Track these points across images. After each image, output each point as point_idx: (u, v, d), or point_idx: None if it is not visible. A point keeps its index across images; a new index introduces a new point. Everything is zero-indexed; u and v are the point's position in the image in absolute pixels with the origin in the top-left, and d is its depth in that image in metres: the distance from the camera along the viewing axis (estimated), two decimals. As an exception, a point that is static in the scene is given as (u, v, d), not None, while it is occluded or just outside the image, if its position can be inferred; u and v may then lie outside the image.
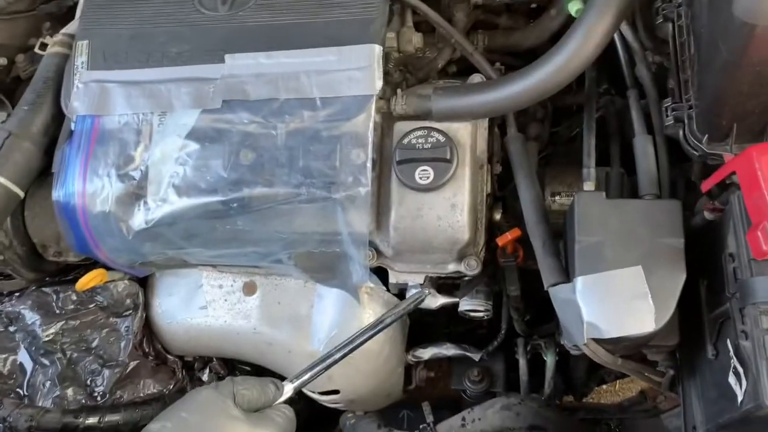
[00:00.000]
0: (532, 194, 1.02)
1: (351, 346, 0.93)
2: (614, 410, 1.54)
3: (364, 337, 0.94)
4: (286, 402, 0.85)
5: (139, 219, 1.08)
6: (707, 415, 0.99)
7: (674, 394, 1.14)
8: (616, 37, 1.10)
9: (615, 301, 0.88)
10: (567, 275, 0.97)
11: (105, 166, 1.09)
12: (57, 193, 1.10)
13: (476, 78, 1.11)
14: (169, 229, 1.08)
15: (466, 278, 1.16)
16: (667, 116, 0.98)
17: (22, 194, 1.13)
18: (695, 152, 0.95)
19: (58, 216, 1.12)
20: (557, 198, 1.22)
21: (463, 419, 1.25)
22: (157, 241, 1.10)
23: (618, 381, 2.11)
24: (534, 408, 1.27)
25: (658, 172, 1.00)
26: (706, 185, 0.95)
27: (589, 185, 1.01)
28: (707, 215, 0.97)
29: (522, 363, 1.32)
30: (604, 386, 2.14)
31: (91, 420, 1.14)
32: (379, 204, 1.08)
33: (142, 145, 1.09)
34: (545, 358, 1.34)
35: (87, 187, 1.09)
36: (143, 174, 1.08)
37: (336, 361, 0.93)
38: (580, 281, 0.91)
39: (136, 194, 1.08)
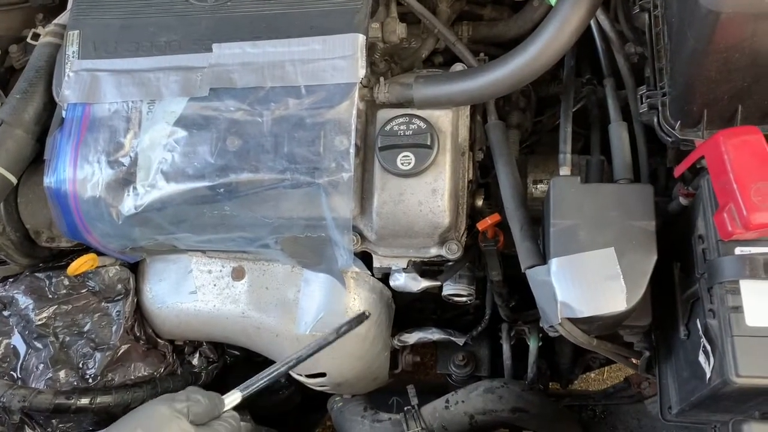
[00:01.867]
0: (511, 180, 1.05)
1: (296, 360, 1.02)
2: (599, 396, 1.56)
3: (310, 351, 1.03)
4: (235, 408, 0.92)
5: (128, 204, 1.10)
6: (681, 395, 1.02)
7: (651, 375, 1.17)
8: (594, 27, 1.13)
9: (588, 281, 0.91)
10: (544, 258, 0.99)
11: (95, 152, 1.11)
12: (48, 180, 1.13)
13: (458, 67, 1.13)
14: (158, 214, 1.10)
15: (449, 263, 1.19)
16: (641, 103, 1.01)
17: (14, 181, 1.16)
18: (669, 138, 0.97)
19: (49, 202, 1.14)
20: (539, 186, 1.25)
21: (447, 401, 1.28)
22: (147, 226, 1.13)
23: (606, 369, 2.15)
24: (517, 391, 1.30)
25: (634, 158, 1.02)
26: (679, 170, 0.97)
27: (564, 170, 1.04)
28: (681, 200, 1.00)
29: (505, 347, 1.35)
30: (592, 375, 2.18)
31: (83, 401, 1.17)
32: (362, 190, 1.10)
33: (131, 132, 1.11)
34: (529, 344, 1.37)
35: (78, 173, 1.11)
36: (132, 160, 1.10)
37: (281, 374, 1.01)
38: (554, 263, 0.93)
39: (125, 180, 1.10)
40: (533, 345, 1.34)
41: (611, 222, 0.93)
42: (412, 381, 1.39)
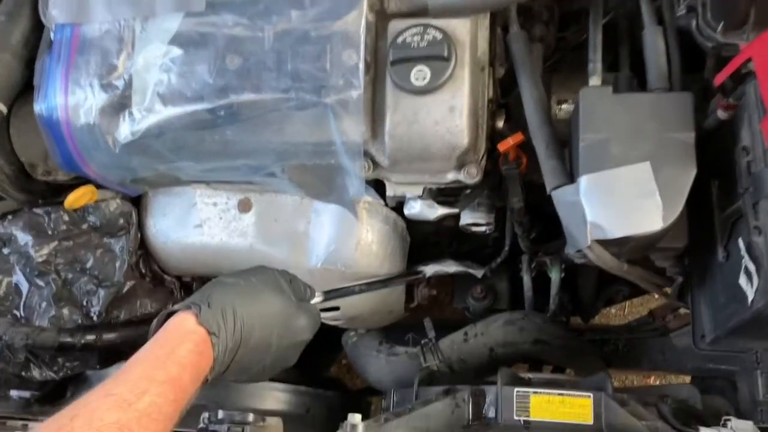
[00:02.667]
0: (535, 95, 0.96)
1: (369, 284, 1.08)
2: (622, 330, 1.51)
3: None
4: None
5: (125, 131, 1.04)
6: (716, 322, 0.96)
7: (682, 303, 1.11)
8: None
9: (621, 199, 0.84)
10: (571, 178, 0.92)
11: (87, 76, 1.04)
12: (39, 107, 1.06)
13: (475, -29, 1.03)
14: (157, 140, 1.04)
15: (467, 190, 1.12)
16: (679, 5, 0.91)
17: (5, 109, 1.10)
18: (709, 43, 0.89)
19: (42, 131, 1.08)
20: (564, 106, 1.16)
21: (466, 334, 1.23)
22: (146, 154, 1.06)
23: (627, 305, 2.10)
24: (538, 323, 1.25)
25: (668, 66, 0.93)
26: (720, 78, 0.88)
27: (594, 80, 0.95)
28: (720, 114, 0.92)
29: (526, 279, 1.29)
30: (613, 311, 2.13)
31: (88, 338, 1.13)
32: (373, 111, 1.03)
33: (124, 53, 1.04)
34: (550, 276, 1.31)
35: (69, 99, 1.05)
36: (127, 83, 1.03)
37: (354, 293, 1.08)
38: (584, 180, 0.86)
39: (120, 105, 1.04)
40: (555, 276, 1.27)
41: (646, 134, 0.86)
42: (428, 315, 1.34)
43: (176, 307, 0.82)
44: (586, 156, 0.87)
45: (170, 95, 1.01)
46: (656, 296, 2.03)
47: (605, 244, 0.88)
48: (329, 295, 1.04)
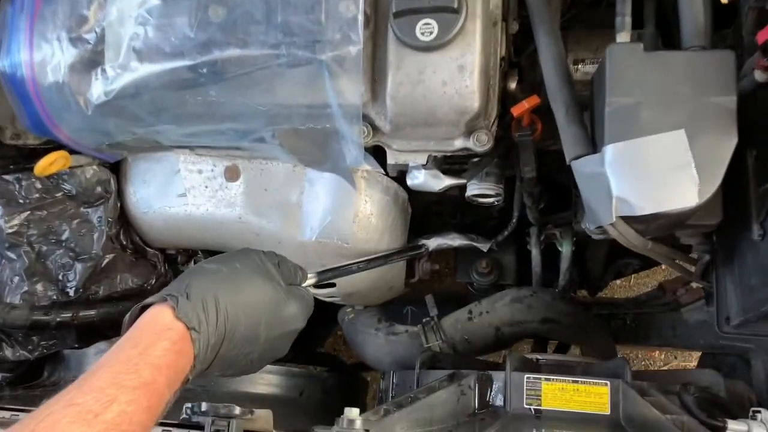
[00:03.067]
0: (554, 52, 0.86)
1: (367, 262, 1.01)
2: (630, 305, 1.44)
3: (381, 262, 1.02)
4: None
5: (97, 90, 0.94)
6: (746, 305, 0.89)
7: (706, 282, 1.03)
8: None
9: (651, 171, 0.75)
10: (593, 146, 0.83)
11: (54, 28, 0.95)
12: (1, 63, 0.96)
13: None
14: (133, 101, 0.94)
15: (474, 159, 1.02)
16: (717, -47, 0.81)
17: (-35, 66, 0.99)
18: (752, -4, 0.79)
19: (5, 90, 0.98)
20: (581, 66, 1.06)
21: (470, 312, 1.15)
22: (121, 116, 0.97)
23: (633, 277, 2.03)
24: (547, 300, 1.17)
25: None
26: (763, 35, 0.78)
27: (623, 36, 0.85)
28: (759, 76, 0.82)
29: (535, 253, 1.21)
30: (618, 282, 2.06)
31: (64, 316, 1.06)
32: (373, 69, 0.93)
33: (95, 3, 0.95)
34: (560, 249, 1.23)
35: (35, 54, 0.95)
36: (99, 37, 0.94)
37: (351, 272, 1.00)
38: (609, 150, 0.77)
39: (92, 61, 0.95)
40: (567, 250, 1.19)
41: (682, 98, 0.76)
42: (429, 290, 1.26)
43: (150, 299, 0.72)
44: (613, 122, 0.77)
45: (147, 51, 0.92)
46: (663, 267, 1.97)
47: (630, 220, 0.79)
48: (324, 275, 0.96)
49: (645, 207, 0.75)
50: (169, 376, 0.65)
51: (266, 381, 1.04)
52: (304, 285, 0.87)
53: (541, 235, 1.23)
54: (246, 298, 0.76)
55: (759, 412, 0.83)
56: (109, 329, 1.11)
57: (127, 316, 0.73)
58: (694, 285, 1.28)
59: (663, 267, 1.96)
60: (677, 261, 0.96)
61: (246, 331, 0.75)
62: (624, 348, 1.87)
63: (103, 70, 0.93)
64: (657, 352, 1.95)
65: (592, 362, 1.06)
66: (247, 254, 0.83)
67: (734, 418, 0.83)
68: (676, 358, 1.94)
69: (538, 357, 1.06)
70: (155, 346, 0.66)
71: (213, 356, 0.73)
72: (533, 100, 0.90)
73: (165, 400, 0.65)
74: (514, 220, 1.18)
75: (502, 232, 1.20)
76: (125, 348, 0.66)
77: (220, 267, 0.78)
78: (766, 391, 1.02)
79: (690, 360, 1.91)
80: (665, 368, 1.95)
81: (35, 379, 1.14)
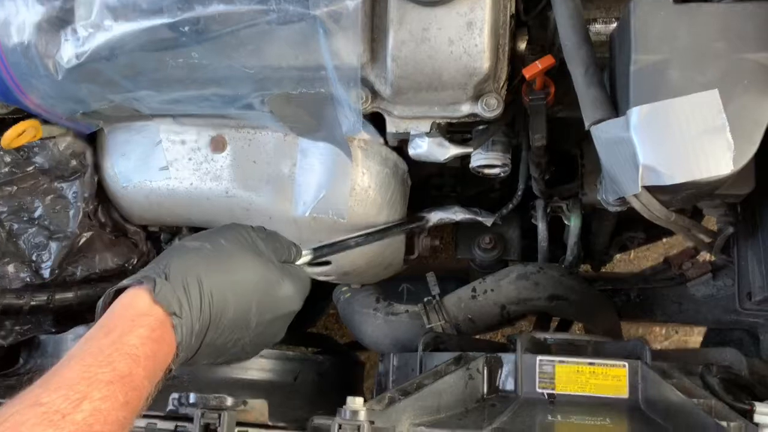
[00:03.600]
0: (570, 7, 0.79)
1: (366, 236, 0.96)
2: (635, 280, 1.39)
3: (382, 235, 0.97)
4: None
5: (68, 52, 0.86)
6: (772, 280, 0.83)
7: (726, 257, 0.98)
8: None
9: (681, 136, 0.68)
10: (616, 109, 0.76)
11: (17, -17, 0.85)
12: (-41, 21, 0.87)
13: None
14: (108, 64, 0.86)
15: (479, 127, 0.95)
16: None
17: None
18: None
19: (-35, 52, 0.88)
20: (593, 26, 0.99)
21: (474, 290, 1.09)
22: (95, 81, 0.89)
23: (634, 250, 1.98)
24: (555, 277, 1.11)
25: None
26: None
27: (648, -13, 0.78)
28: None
29: (541, 227, 1.14)
30: (618, 255, 2.01)
31: (39, 299, 0.99)
32: (372, 27, 0.85)
33: (63, -46, 0.84)
34: (566, 222, 1.16)
35: (-4, 11, 0.85)
36: (67, -8, 0.84)
37: (349, 247, 0.96)
38: (635, 113, 0.70)
39: (61, 20, 0.86)
40: (575, 223, 1.13)
41: (715, 55, 0.70)
42: (427, 267, 1.20)
43: (125, 282, 0.66)
44: (639, 82, 0.70)
45: (122, 8, 0.83)
46: (664, 240, 1.93)
47: (655, 190, 0.73)
48: (320, 252, 0.89)
49: (675, 176, 0.68)
50: (148, 367, 0.59)
51: (258, 366, 0.97)
52: (298, 263, 0.82)
53: (547, 209, 1.16)
54: (233, 277, 0.70)
55: (789, 395, 0.78)
56: (88, 312, 1.03)
57: (100, 300, 0.66)
58: (700, 259, 1.23)
59: (663, 240, 1.92)
60: (700, 233, 0.89)
61: (235, 315, 0.69)
62: (626, 323, 1.84)
63: (74, 30, 0.85)
64: (658, 327, 1.91)
65: (603, 341, 1.00)
66: (234, 229, 0.76)
67: (759, 399, 0.78)
68: (677, 332, 1.90)
69: (546, 336, 1.01)
70: (131, 333, 0.59)
71: (198, 344, 0.67)
72: (547, 61, 0.83)
73: (145, 394, 0.59)
74: (520, 192, 1.12)
75: (507, 205, 1.14)
76: (98, 337, 0.59)
77: (203, 244, 0.71)
78: (775, 365, 0.98)
79: (691, 334, 1.87)
80: (666, 343, 1.91)
81: (10, 367, 1.07)
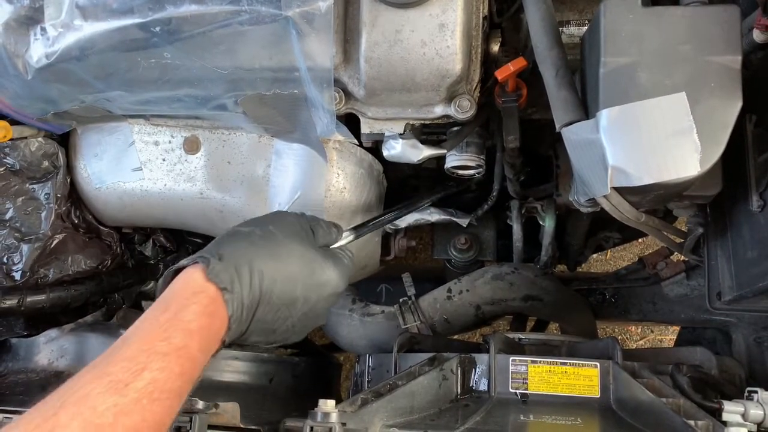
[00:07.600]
0: (542, 10, 0.79)
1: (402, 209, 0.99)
2: (610, 279, 1.40)
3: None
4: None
5: (37, 52, 0.85)
6: (740, 279, 0.85)
7: (696, 257, 0.99)
8: None
9: (649, 138, 0.69)
10: (586, 111, 0.77)
11: (-16, -19, 0.83)
12: (-74, 20, 0.85)
13: None
14: (79, 64, 0.85)
15: (453, 128, 0.96)
16: None
17: None
18: (757, -53, 0.72)
19: (-68, 51, 0.87)
20: (566, 28, 1.00)
21: (449, 291, 1.10)
22: (66, 81, 0.88)
23: (609, 250, 2.00)
24: (529, 277, 1.12)
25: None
26: (766, -9, 0.73)
27: (618, -9, 0.78)
28: (758, 36, 0.77)
29: (516, 228, 1.15)
30: (594, 255, 2.03)
31: (9, 302, 0.97)
32: (345, 28, 0.85)
33: (32, -47, 0.83)
34: (541, 223, 1.17)
35: (-37, 10, 0.84)
36: (36, -9, 0.83)
37: (389, 221, 0.99)
38: (604, 115, 0.71)
39: (30, 19, 0.86)
40: (549, 224, 1.14)
41: (682, 57, 0.71)
42: (404, 268, 1.20)
43: (183, 262, 0.70)
44: (608, 84, 0.71)
45: (92, 7, 0.83)
46: (639, 240, 1.94)
47: (625, 191, 0.74)
48: (360, 231, 0.90)
49: (643, 177, 0.69)
50: (202, 340, 0.63)
51: (233, 368, 0.96)
52: (340, 243, 0.85)
53: (522, 209, 1.17)
54: (280, 260, 0.73)
55: (755, 392, 0.79)
56: (62, 315, 1.02)
57: (161, 280, 0.71)
58: (675, 259, 1.24)
59: (639, 240, 1.94)
60: (670, 234, 0.90)
61: (282, 293, 0.73)
62: (601, 323, 1.85)
63: (43, 29, 0.84)
64: (633, 326, 1.93)
65: (577, 341, 1.01)
66: (282, 216, 0.81)
67: (728, 397, 0.79)
68: (652, 331, 1.92)
69: (520, 336, 1.01)
70: (186, 309, 0.64)
71: (249, 319, 0.70)
72: (519, 63, 0.83)
73: (199, 365, 0.63)
74: (495, 193, 1.12)
75: (482, 206, 1.14)
76: (156, 313, 0.64)
77: (253, 230, 0.75)
78: (746, 364, 0.99)
79: (666, 333, 1.90)
80: (642, 342, 1.93)
81: (-21, 371, 1.05)
